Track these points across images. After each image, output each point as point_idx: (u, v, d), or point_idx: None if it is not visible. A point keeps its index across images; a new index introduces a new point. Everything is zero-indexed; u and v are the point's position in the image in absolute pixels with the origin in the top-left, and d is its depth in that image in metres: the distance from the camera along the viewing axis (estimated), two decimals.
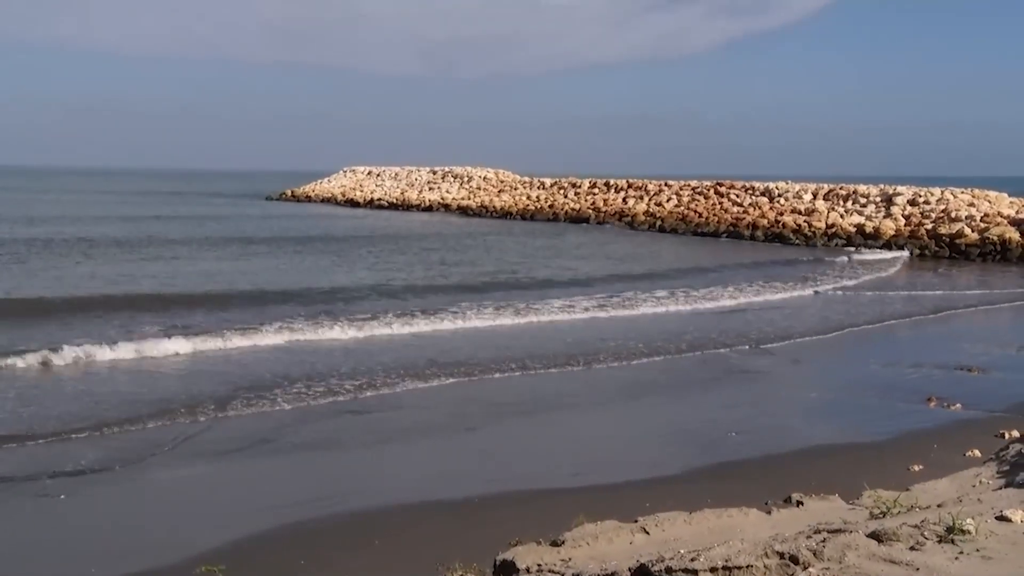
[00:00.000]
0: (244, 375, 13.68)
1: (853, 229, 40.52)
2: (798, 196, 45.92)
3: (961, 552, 3.85)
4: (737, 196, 49.05)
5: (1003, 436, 10.12)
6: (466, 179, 71.34)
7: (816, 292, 25.59)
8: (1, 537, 7.77)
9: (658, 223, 49.61)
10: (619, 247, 40.17)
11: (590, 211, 55.72)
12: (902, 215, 40.15)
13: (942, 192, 41.14)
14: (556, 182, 63.75)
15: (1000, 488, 6.52)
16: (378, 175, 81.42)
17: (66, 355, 14.29)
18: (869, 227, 40.05)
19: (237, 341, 16.15)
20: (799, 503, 6.36)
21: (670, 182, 55.99)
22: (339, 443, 10.60)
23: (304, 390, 12.77)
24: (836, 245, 39.95)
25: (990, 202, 39.29)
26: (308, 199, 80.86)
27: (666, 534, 5.22)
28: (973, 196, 40.07)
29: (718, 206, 48.79)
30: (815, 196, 45.30)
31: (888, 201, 41.77)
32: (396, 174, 79.41)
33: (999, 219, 36.70)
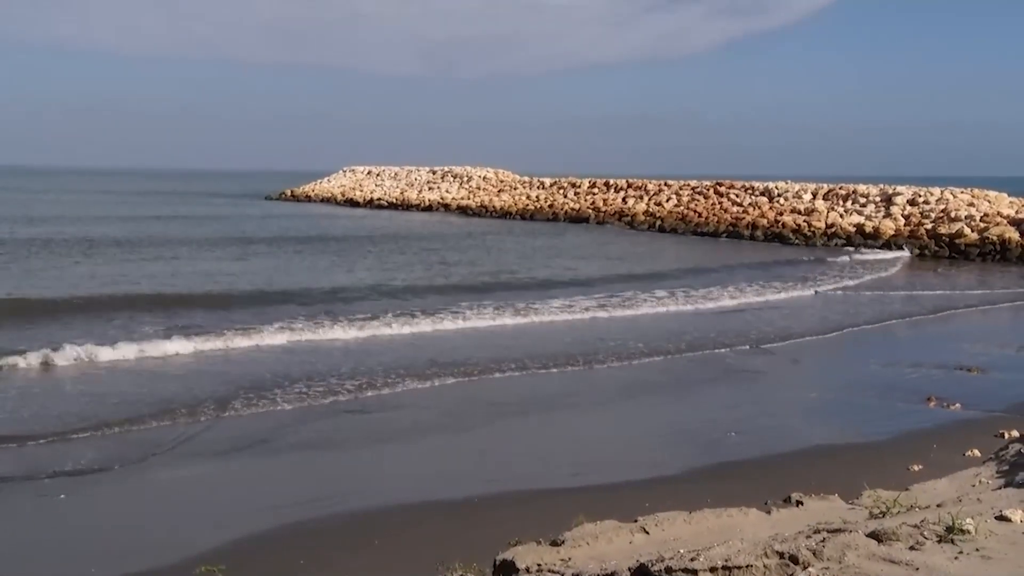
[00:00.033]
0: (244, 375, 13.68)
1: (853, 229, 40.53)
2: (798, 196, 45.93)
3: (961, 552, 3.85)
4: (737, 196, 49.07)
5: (1003, 436, 10.13)
6: (466, 179, 71.35)
7: (816, 292, 25.59)
8: (1, 537, 7.77)
9: (658, 223, 49.62)
10: (619, 247, 40.17)
11: (590, 211, 55.73)
12: (902, 215, 40.16)
13: (942, 192, 41.16)
14: (556, 182, 63.76)
15: (1000, 488, 6.52)
16: (378, 175, 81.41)
17: (66, 355, 14.30)
18: (869, 227, 40.07)
19: (237, 341, 16.16)
20: (799, 503, 6.36)
21: (670, 182, 56.01)
22: (339, 443, 10.61)
23: (304, 390, 12.77)
24: (836, 245, 39.97)
25: (990, 202, 39.30)
26: (308, 199, 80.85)
27: (666, 534, 5.23)
28: (973, 196, 40.08)
29: (718, 206, 48.80)
30: (815, 196, 45.32)
31: (888, 201, 41.78)
32: (396, 174, 79.41)
33: (999, 219, 36.71)
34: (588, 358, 15.47)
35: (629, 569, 4.15)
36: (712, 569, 3.80)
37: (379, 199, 72.22)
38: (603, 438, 11.04)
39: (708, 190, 51.60)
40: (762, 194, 47.72)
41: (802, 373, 15.29)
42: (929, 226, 38.17)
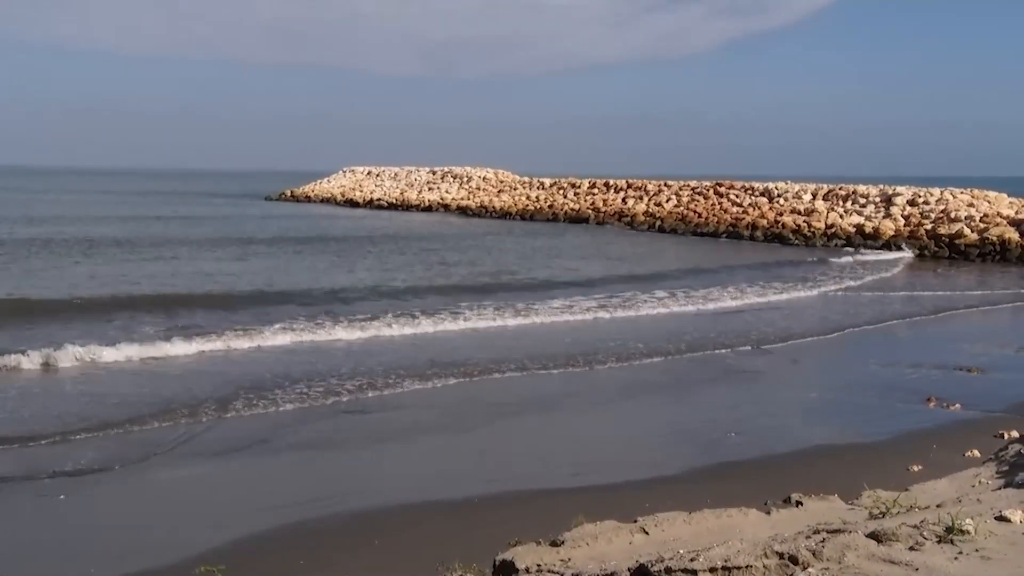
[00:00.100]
0: (245, 375, 13.68)
1: (852, 229, 40.53)
2: (797, 196, 45.94)
3: (960, 552, 3.85)
4: (736, 196, 49.07)
5: (1002, 436, 10.13)
6: (465, 179, 71.35)
7: (816, 292, 25.59)
8: (1, 537, 7.77)
9: (657, 223, 49.62)
10: (619, 247, 40.17)
11: (589, 211, 55.73)
12: (901, 215, 40.16)
13: (941, 192, 41.17)
14: (556, 182, 63.77)
15: (999, 488, 6.53)
16: (377, 175, 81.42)
17: (67, 355, 14.30)
18: (868, 227, 40.07)
19: (238, 341, 16.17)
20: (798, 503, 6.36)
21: (669, 182, 56.02)
22: (339, 443, 10.61)
23: (305, 390, 12.78)
24: (835, 245, 39.97)
25: (989, 202, 39.31)
26: (308, 199, 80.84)
27: (665, 534, 5.23)
28: (972, 196, 40.09)
29: (717, 206, 48.81)
30: (814, 196, 45.32)
31: (887, 201, 41.79)
32: (396, 174, 79.42)
33: (998, 219, 36.71)
34: (588, 358, 15.47)
35: (629, 569, 4.15)
36: (712, 569, 3.80)
37: (379, 199, 72.22)
38: (603, 438, 11.04)
39: (708, 190, 51.60)
40: (762, 194, 47.73)
41: (802, 373, 15.30)
42: (929, 226, 38.17)
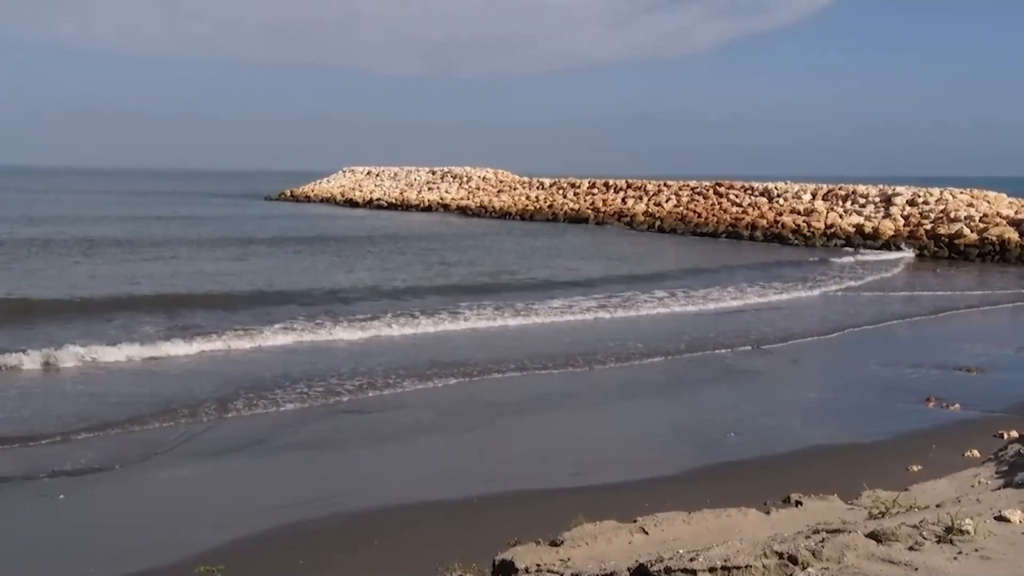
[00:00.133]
0: (245, 375, 13.69)
1: (852, 229, 40.54)
2: (797, 196, 45.95)
3: (960, 552, 3.86)
4: (736, 196, 49.08)
5: (1002, 436, 10.13)
6: (465, 179, 71.36)
7: (816, 292, 25.59)
8: (1, 537, 7.78)
9: (657, 223, 49.63)
10: (618, 247, 40.18)
11: (589, 211, 55.73)
12: (901, 215, 40.17)
13: (941, 192, 41.18)
14: (555, 182, 63.77)
15: (999, 488, 6.53)
16: (377, 175, 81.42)
17: (67, 355, 14.30)
18: (868, 227, 40.07)
19: (238, 342, 16.17)
20: (798, 503, 6.37)
21: (669, 182, 56.03)
22: (339, 443, 10.62)
23: (305, 390, 12.78)
24: (835, 245, 39.98)
25: (989, 202, 39.31)
26: (307, 199, 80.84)
27: (665, 534, 5.23)
28: (972, 196, 40.10)
29: (717, 206, 48.82)
30: (814, 196, 45.33)
31: (887, 201, 41.80)
32: (395, 174, 79.42)
33: (998, 219, 36.71)
34: (588, 358, 15.47)
35: (628, 569, 4.15)
36: (711, 569, 3.80)
37: (379, 199, 72.23)
38: (603, 438, 11.05)
39: (707, 190, 51.60)
40: (761, 194, 47.74)
41: (802, 373, 15.30)
42: (928, 226, 38.17)
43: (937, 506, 5.47)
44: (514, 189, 65.87)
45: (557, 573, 4.72)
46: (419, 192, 71.83)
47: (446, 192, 69.82)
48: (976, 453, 9.50)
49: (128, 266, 28.06)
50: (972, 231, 36.39)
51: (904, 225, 39.35)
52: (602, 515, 5.71)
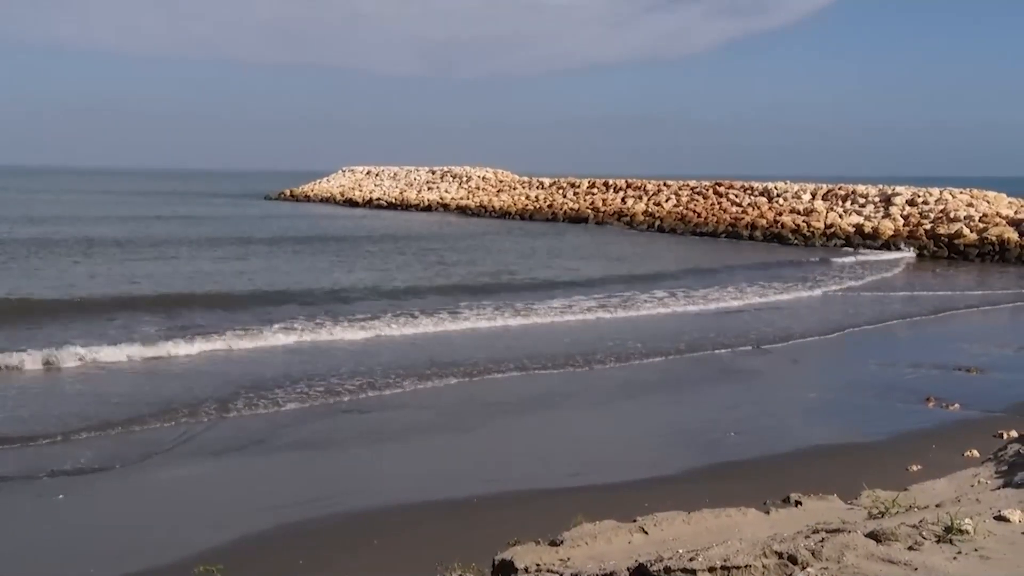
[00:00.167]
0: (245, 375, 13.69)
1: (852, 229, 40.54)
2: (797, 196, 45.95)
3: (959, 552, 3.86)
4: (736, 196, 49.08)
5: (1001, 436, 10.13)
6: (465, 179, 71.36)
7: (816, 292, 25.59)
8: (1, 537, 7.78)
9: (657, 223, 49.63)
10: (618, 247, 40.18)
11: (589, 211, 55.74)
12: (901, 215, 40.17)
13: (941, 192, 41.18)
14: (555, 182, 63.78)
15: (998, 488, 6.53)
16: (377, 175, 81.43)
17: (67, 355, 14.31)
18: (868, 227, 40.07)
19: (238, 342, 16.17)
20: (797, 503, 6.36)
21: (669, 182, 56.03)
22: (339, 443, 10.62)
23: (305, 390, 12.79)
24: (834, 245, 39.98)
25: (988, 202, 39.32)
26: (307, 199, 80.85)
27: (664, 534, 5.23)
28: (972, 196, 40.10)
29: (717, 206, 48.82)
30: (814, 196, 45.33)
31: (887, 201, 41.80)
32: (395, 174, 79.43)
33: (997, 219, 36.72)
34: (588, 359, 15.48)
35: (628, 569, 4.16)
36: (711, 569, 3.81)
37: (378, 199, 72.24)
38: (603, 438, 11.05)
39: (707, 190, 51.60)
40: (761, 194, 47.74)
41: (801, 373, 15.31)
42: (928, 226, 38.18)
43: (937, 506, 5.47)
44: (514, 189, 65.87)
45: (557, 573, 4.72)
46: (419, 192, 71.83)
47: (446, 192, 69.82)
48: (976, 453, 9.50)
49: (128, 266, 28.07)
50: (972, 231, 36.40)
51: (904, 225, 39.35)
52: (602, 515, 5.71)
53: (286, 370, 14.06)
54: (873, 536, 4.01)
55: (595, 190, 59.28)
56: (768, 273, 29.72)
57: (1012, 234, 35.14)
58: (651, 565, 3.99)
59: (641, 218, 51.53)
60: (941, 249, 36.47)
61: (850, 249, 38.59)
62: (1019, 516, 4.31)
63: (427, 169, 77.21)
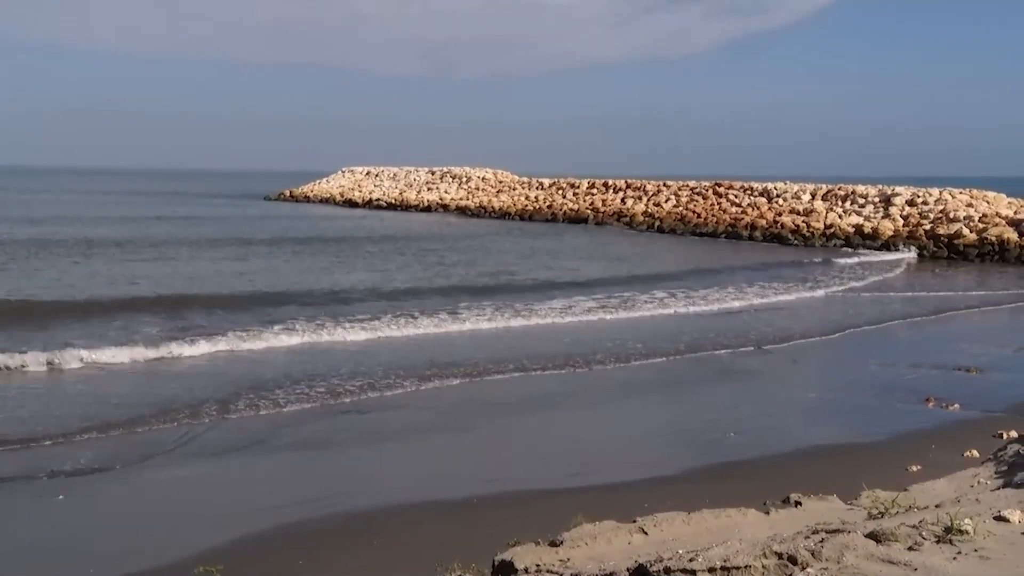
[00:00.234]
0: (245, 376, 13.70)
1: (851, 229, 40.54)
2: (796, 196, 45.95)
3: (959, 552, 3.86)
4: (735, 196, 49.08)
5: (1001, 436, 10.14)
6: (464, 179, 71.37)
7: (816, 293, 25.60)
8: (1, 537, 7.78)
9: (656, 223, 49.64)
10: (618, 248, 40.18)
11: (588, 211, 55.75)
12: (900, 215, 40.18)
13: (940, 192, 41.19)
14: (555, 182, 63.79)
15: (998, 488, 6.54)
16: (376, 175, 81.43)
17: (68, 356, 14.31)
18: (867, 227, 40.08)
19: (238, 342, 16.17)
20: (797, 503, 6.37)
21: (668, 182, 56.04)
22: (339, 443, 10.62)
23: (305, 391, 12.79)
24: (834, 245, 39.98)
25: (988, 202, 39.33)
26: (307, 199, 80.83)
27: (664, 534, 5.24)
28: (971, 196, 40.11)
29: (716, 206, 48.82)
30: (813, 196, 45.34)
31: (886, 201, 41.81)
32: (395, 174, 79.43)
33: (997, 219, 36.73)
34: (588, 359, 15.48)
35: (628, 569, 4.16)
36: (711, 569, 3.81)
37: (378, 200, 72.24)
38: (602, 438, 11.05)
39: (707, 191, 51.61)
40: (761, 194, 47.74)
41: (801, 374, 15.31)
42: (928, 227, 38.19)
43: (936, 506, 5.48)
44: (513, 189, 65.88)
45: (556, 573, 4.73)
46: (418, 192, 71.84)
47: (445, 192, 69.83)
48: (975, 453, 9.50)
49: (128, 267, 28.07)
50: (971, 231, 36.41)
51: (903, 225, 39.36)
52: (601, 515, 5.71)
53: (287, 371, 14.06)
54: (873, 536, 4.01)
55: (595, 190, 59.29)
56: (768, 273, 29.73)
57: (1012, 234, 35.15)
58: (651, 565, 3.99)
59: (641, 218, 51.54)
60: (941, 249, 36.48)
61: (850, 249, 38.58)
62: (1019, 516, 4.32)
63: (427, 170, 77.21)
